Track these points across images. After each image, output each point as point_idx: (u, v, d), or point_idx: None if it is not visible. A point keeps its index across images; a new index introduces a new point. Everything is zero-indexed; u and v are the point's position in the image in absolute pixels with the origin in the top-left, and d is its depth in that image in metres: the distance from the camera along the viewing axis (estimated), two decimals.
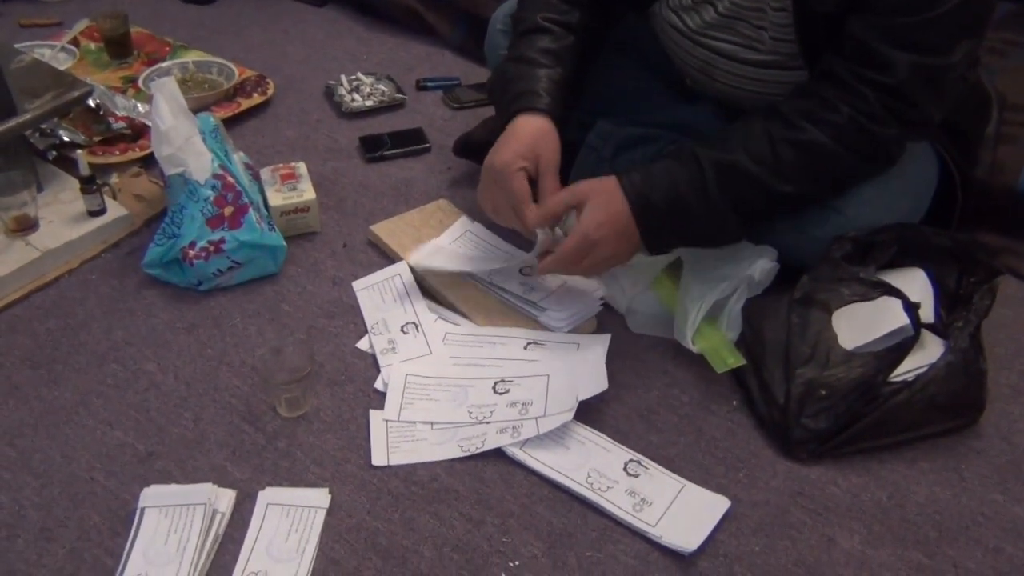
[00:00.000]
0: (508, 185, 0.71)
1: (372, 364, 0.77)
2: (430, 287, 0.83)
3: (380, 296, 0.82)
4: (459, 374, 0.75)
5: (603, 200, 0.72)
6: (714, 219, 0.73)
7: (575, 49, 0.76)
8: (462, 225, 0.90)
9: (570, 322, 0.80)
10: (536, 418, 0.69)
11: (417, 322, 0.77)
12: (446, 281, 0.83)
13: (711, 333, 0.76)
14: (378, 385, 0.74)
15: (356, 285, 0.82)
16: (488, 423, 0.69)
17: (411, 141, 1.04)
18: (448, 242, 0.88)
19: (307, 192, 0.92)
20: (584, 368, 0.75)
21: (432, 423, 0.69)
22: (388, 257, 0.89)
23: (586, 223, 0.72)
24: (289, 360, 0.72)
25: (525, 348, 0.77)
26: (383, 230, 0.91)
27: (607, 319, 0.81)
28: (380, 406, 0.74)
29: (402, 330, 0.77)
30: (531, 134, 0.72)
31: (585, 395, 0.71)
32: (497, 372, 0.73)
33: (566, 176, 0.81)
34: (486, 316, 0.81)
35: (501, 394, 0.70)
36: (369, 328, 0.80)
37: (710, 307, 0.76)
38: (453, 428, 0.69)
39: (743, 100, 0.78)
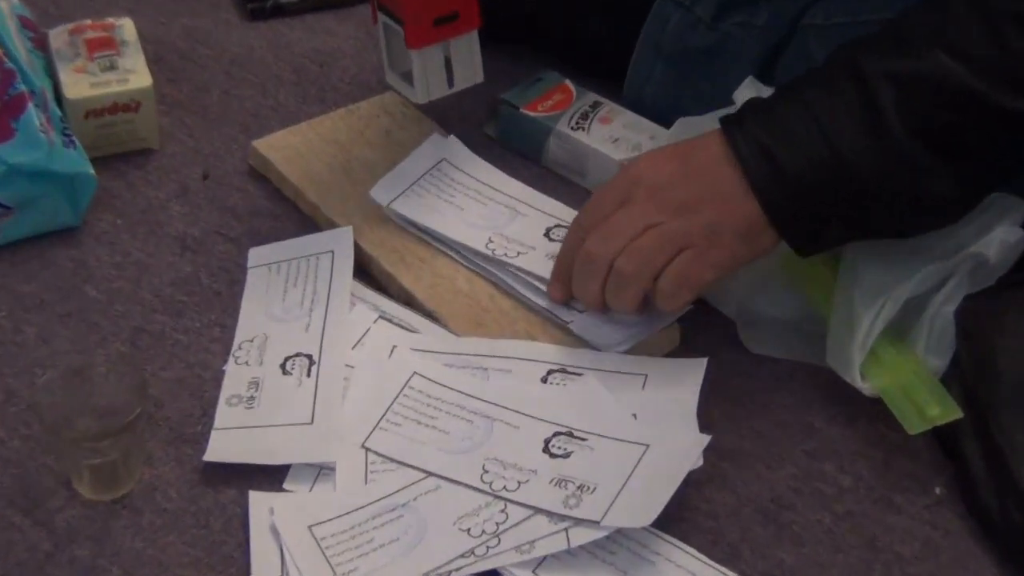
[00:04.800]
0: None
1: None
2: (379, 268, 0.84)
3: (283, 285, 0.82)
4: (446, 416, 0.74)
5: (698, 182, 0.73)
6: (903, 184, 0.70)
7: None
8: (433, 149, 0.91)
9: (628, 335, 0.78)
10: (589, 520, 0.67)
11: (316, 357, 0.76)
12: (401, 254, 0.84)
13: (898, 360, 0.75)
14: None
15: (255, 257, 0.84)
16: (505, 500, 0.68)
17: None
18: (418, 174, 0.89)
19: (136, 75, 0.91)
20: (657, 424, 0.73)
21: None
22: (285, 201, 0.90)
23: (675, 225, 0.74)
24: (99, 393, 0.71)
25: (544, 381, 0.76)
26: (279, 150, 0.92)
27: (699, 329, 0.81)
28: (269, 481, 0.72)
29: (284, 369, 0.76)
30: None
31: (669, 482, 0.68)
32: (542, 421, 0.73)
33: (622, 63, 0.85)
34: (471, 319, 0.80)
35: (557, 456, 0.70)
36: (235, 346, 0.78)
37: (897, 311, 0.74)
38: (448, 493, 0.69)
39: None
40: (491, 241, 0.83)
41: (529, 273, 0.81)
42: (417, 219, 0.85)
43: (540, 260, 0.81)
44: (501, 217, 0.86)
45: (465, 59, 0.85)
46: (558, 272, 0.78)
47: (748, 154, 0.72)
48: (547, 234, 0.83)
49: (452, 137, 0.91)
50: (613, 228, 0.74)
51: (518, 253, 0.82)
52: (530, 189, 0.88)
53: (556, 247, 0.81)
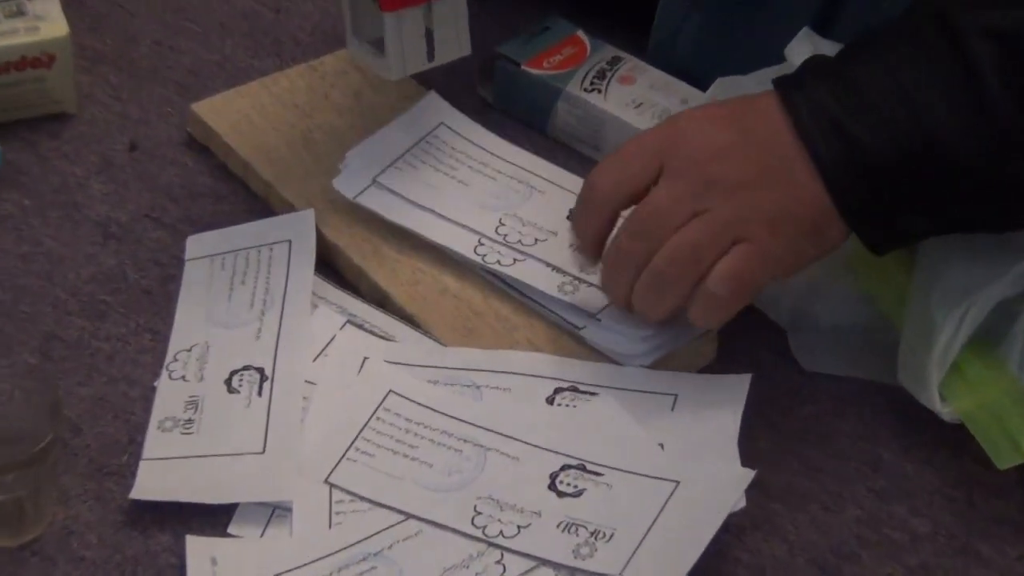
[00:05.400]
0: None
1: None
2: (347, 262, 0.84)
3: (228, 282, 0.82)
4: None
5: (756, 156, 0.72)
6: (1008, 169, 0.70)
7: None
8: (429, 111, 0.91)
9: (655, 346, 0.79)
10: (605, 575, 0.67)
11: (269, 372, 0.76)
12: (374, 244, 0.84)
13: (985, 377, 0.75)
14: None
15: (195, 247, 0.84)
16: (502, 549, 0.69)
17: None
18: (402, 148, 0.89)
19: (49, 22, 0.92)
20: (690, 455, 0.74)
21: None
22: (232, 178, 0.90)
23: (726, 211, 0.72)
24: (1, 416, 0.72)
25: (550, 402, 0.77)
26: (224, 115, 0.92)
27: (741, 339, 0.82)
28: (211, 524, 0.71)
29: (229, 386, 0.76)
30: None
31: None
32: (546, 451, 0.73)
33: (648, 9, 0.87)
34: (461, 325, 0.81)
35: (566, 495, 0.70)
36: (169, 357, 0.79)
37: (985, 317, 0.74)
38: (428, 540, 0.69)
39: None
40: (502, 224, 0.83)
41: (550, 266, 0.81)
42: (406, 195, 0.85)
43: (562, 249, 0.82)
44: (514, 195, 0.86)
45: (449, 26, 0.84)
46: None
47: (814, 128, 0.71)
48: (571, 216, 0.83)
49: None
50: (651, 214, 0.73)
51: (535, 240, 0.82)
52: (546, 162, 0.88)
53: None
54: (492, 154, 0.89)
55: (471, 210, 0.84)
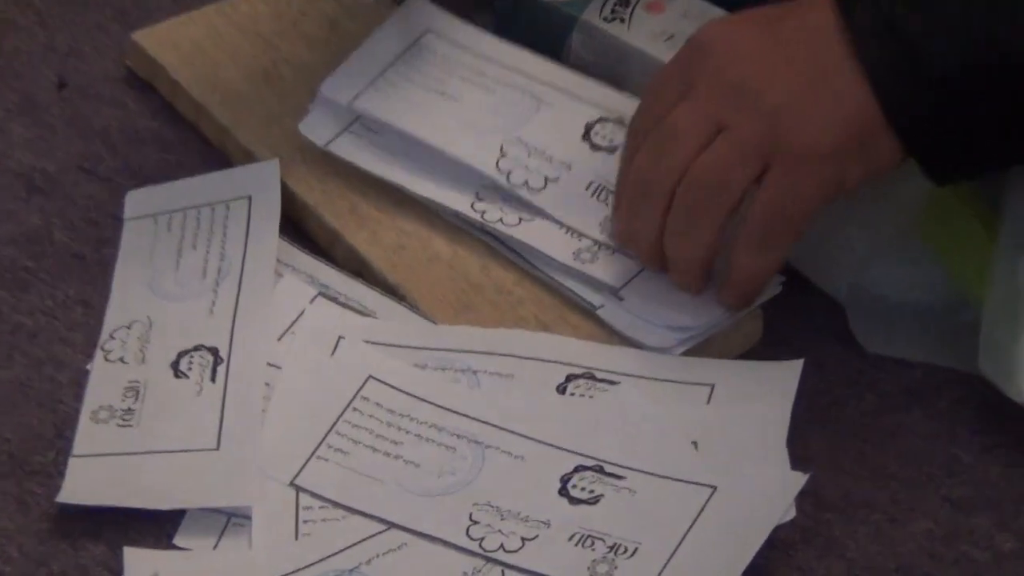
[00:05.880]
0: None
1: None
2: (319, 222, 0.85)
3: (176, 246, 0.83)
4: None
5: (790, 60, 0.74)
6: None
7: None
8: (412, 17, 0.92)
9: (689, 326, 0.79)
10: None
11: (225, 353, 0.77)
12: (351, 201, 0.85)
13: None
14: None
15: (136, 204, 0.85)
16: (502, 566, 0.70)
17: None
18: (381, 65, 0.89)
19: None
20: (729, 456, 0.74)
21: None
22: (180, 122, 0.92)
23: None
24: None
25: (562, 391, 0.77)
26: (172, 47, 0.93)
27: (790, 317, 0.82)
28: (154, 533, 0.72)
29: (176, 370, 0.77)
30: None
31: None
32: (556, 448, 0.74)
33: None
34: (455, 299, 0.81)
35: (580, 501, 0.71)
36: (105, 335, 0.79)
37: None
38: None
39: None
40: (504, 155, 0.83)
41: (563, 226, 0.81)
42: (388, 120, 0.85)
43: (579, 192, 0.82)
44: (517, 110, 0.86)
45: None
46: (619, 200, 0.78)
47: (866, 26, 0.72)
48: (588, 135, 0.84)
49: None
50: (667, 134, 0.75)
51: (545, 180, 0.82)
52: (555, 65, 0.88)
53: (602, 160, 0.82)
54: (489, 59, 0.89)
55: (465, 137, 0.84)
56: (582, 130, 0.84)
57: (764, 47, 0.75)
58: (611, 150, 0.82)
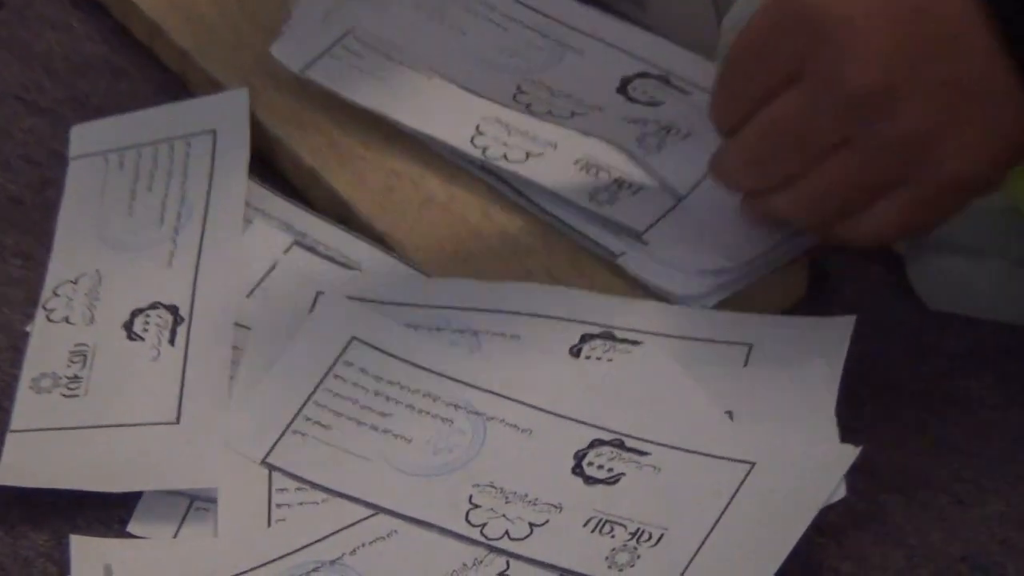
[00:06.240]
0: None
1: None
2: (295, 160, 0.85)
3: (129, 188, 0.84)
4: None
5: (939, 61, 0.72)
6: None
7: None
8: None
9: (723, 279, 0.80)
10: None
11: (186, 312, 0.78)
12: (331, 136, 0.85)
13: None
14: None
15: (83, 139, 0.86)
16: (507, 555, 0.70)
17: None
18: None
19: None
20: (769, 427, 0.75)
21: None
22: (134, 45, 0.93)
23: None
24: None
25: (576, 353, 0.78)
26: None
27: (840, 267, 0.83)
28: (104, 519, 0.73)
29: (129, 331, 0.78)
30: None
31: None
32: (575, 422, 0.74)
33: None
34: (451, 248, 0.82)
35: (596, 481, 0.72)
36: (47, 292, 0.80)
37: None
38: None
39: None
40: (521, 91, 0.84)
41: (579, 162, 0.81)
42: (374, 43, 0.85)
43: (609, 124, 0.82)
44: (536, 52, 0.87)
45: None
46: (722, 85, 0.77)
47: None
48: (624, 89, 0.84)
49: None
50: (777, 135, 0.75)
51: (572, 113, 0.83)
52: (584, 5, 0.89)
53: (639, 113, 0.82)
54: None
55: (473, 69, 0.85)
56: (617, 82, 0.85)
57: (913, 42, 0.72)
58: (651, 104, 0.82)
